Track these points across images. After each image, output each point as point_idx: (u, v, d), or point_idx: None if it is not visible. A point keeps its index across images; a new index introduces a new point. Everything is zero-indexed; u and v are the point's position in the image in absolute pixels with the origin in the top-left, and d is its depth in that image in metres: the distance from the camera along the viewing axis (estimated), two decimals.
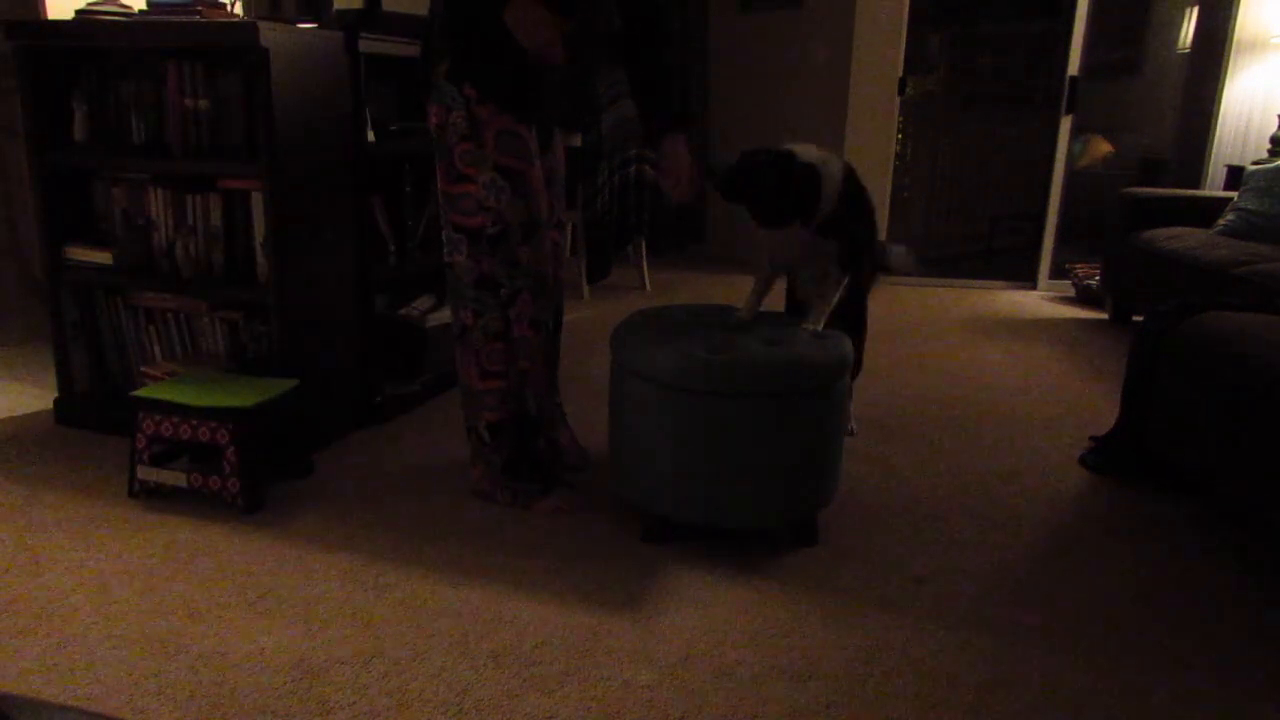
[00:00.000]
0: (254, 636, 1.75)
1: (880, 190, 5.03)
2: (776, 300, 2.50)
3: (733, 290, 4.77)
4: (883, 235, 4.92)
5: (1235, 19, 4.66)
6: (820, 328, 2.20)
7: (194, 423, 2.23)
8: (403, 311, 3.10)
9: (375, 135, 2.77)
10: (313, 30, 2.53)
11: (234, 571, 1.98)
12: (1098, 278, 4.62)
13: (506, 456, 2.30)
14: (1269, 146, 4.39)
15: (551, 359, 2.44)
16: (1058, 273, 5.06)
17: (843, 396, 2.09)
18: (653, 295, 4.75)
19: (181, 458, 2.37)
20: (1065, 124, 4.90)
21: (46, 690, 1.58)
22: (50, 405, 2.85)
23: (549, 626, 1.80)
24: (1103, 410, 3.09)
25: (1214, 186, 4.73)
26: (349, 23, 2.61)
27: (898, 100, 5.02)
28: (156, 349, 2.73)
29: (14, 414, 2.87)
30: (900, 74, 4.98)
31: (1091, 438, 2.76)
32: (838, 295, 2.29)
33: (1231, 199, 3.97)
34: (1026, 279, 5.14)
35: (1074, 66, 4.81)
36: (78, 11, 2.59)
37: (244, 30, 2.29)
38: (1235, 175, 4.29)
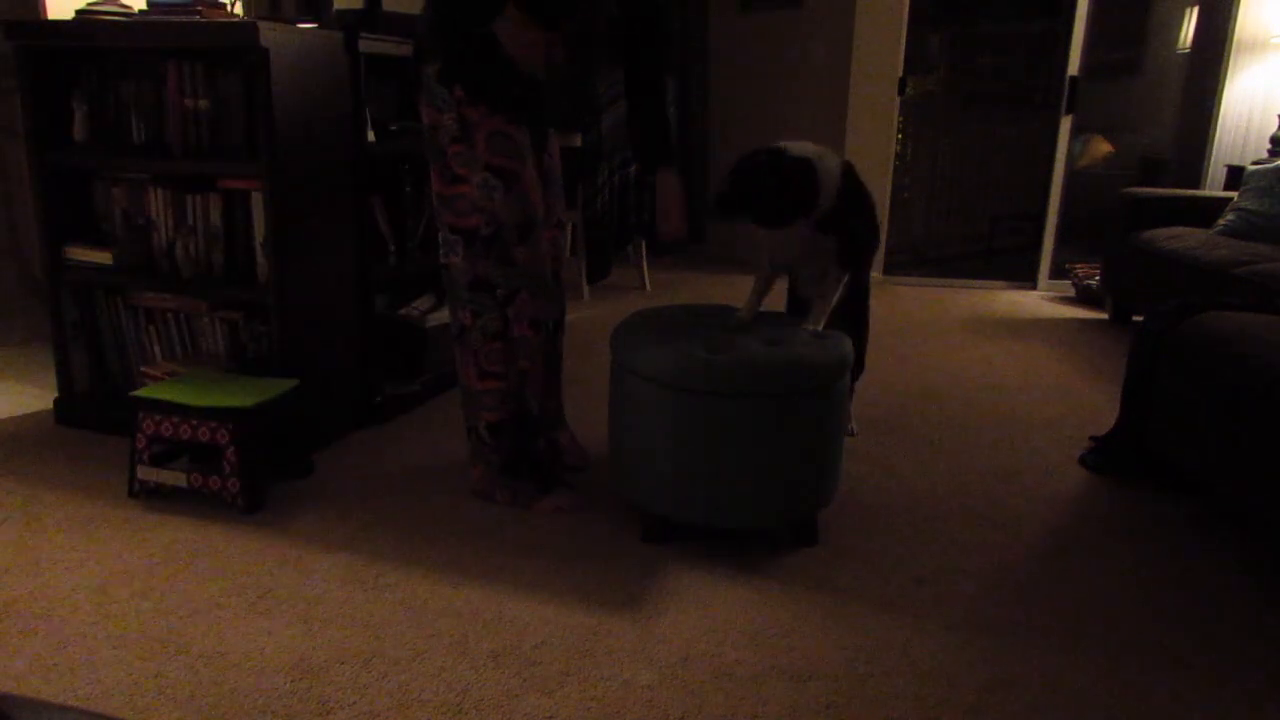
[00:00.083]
0: (254, 636, 1.75)
1: (880, 190, 5.03)
2: (777, 300, 2.50)
3: (733, 290, 4.77)
4: (883, 235, 4.93)
5: (1235, 19, 4.66)
6: (820, 327, 2.20)
7: (194, 423, 2.23)
8: (403, 311, 3.10)
9: (375, 135, 2.77)
10: (313, 30, 2.53)
11: (234, 571, 1.98)
12: (1098, 278, 4.62)
13: (506, 456, 2.30)
14: (1269, 146, 4.39)
15: (553, 360, 2.44)
16: (1058, 273, 5.07)
17: (843, 396, 2.09)
18: (653, 295, 4.75)
19: (181, 458, 2.37)
20: (1065, 124, 4.90)
21: (46, 690, 1.58)
22: (50, 405, 2.85)
23: (549, 626, 1.80)
24: (1103, 410, 3.09)
25: (1214, 186, 4.73)
26: (349, 23, 2.61)
27: (898, 100, 5.02)
28: (156, 349, 2.73)
29: (14, 414, 2.87)
30: (900, 74, 4.98)
31: (1091, 438, 2.76)
32: (838, 294, 2.29)
33: (1231, 199, 3.97)
34: (1026, 279, 5.14)
35: (1074, 66, 4.81)
36: (78, 11, 2.59)
37: (244, 30, 2.29)
38: (1235, 175, 4.29)
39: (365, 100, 2.66)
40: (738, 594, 1.94)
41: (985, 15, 5.49)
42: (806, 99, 5.25)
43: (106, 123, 2.61)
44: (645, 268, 4.94)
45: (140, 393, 2.30)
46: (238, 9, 2.81)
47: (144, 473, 2.28)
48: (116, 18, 2.54)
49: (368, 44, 2.62)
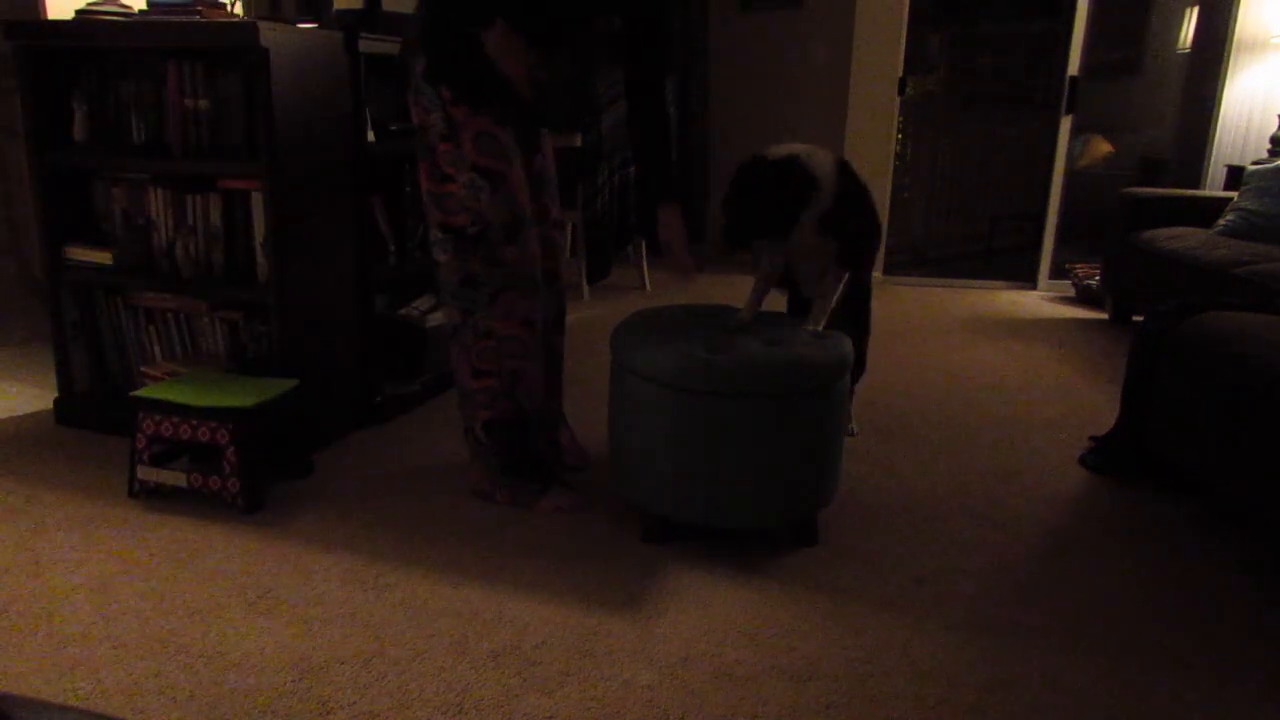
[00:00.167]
0: (254, 636, 1.75)
1: (880, 190, 5.03)
2: (777, 300, 2.50)
3: (733, 290, 4.77)
4: (884, 236, 4.92)
5: (1235, 19, 4.66)
6: (820, 327, 2.20)
7: (194, 423, 2.23)
8: (403, 311, 3.10)
9: (375, 135, 2.77)
10: (313, 30, 2.53)
11: (234, 571, 1.98)
12: (1098, 278, 4.62)
13: (505, 456, 2.30)
14: (1269, 146, 4.38)
15: (553, 359, 2.44)
16: (1058, 273, 5.06)
17: (843, 396, 2.09)
18: (653, 295, 4.75)
19: (181, 458, 2.37)
20: (1065, 124, 4.90)
21: (46, 690, 1.58)
22: (50, 405, 2.85)
23: (549, 626, 1.80)
24: (1103, 410, 3.09)
25: (1214, 186, 4.72)
26: (349, 23, 2.61)
27: (898, 100, 5.02)
28: (156, 349, 2.73)
29: (14, 414, 2.87)
30: (900, 74, 4.98)
31: (1091, 438, 2.76)
32: (838, 294, 2.29)
33: (1231, 199, 3.97)
34: (1026, 279, 5.14)
35: (1074, 66, 4.81)
36: (78, 11, 2.59)
37: (244, 30, 2.29)
38: (1235, 175, 4.29)
39: (365, 100, 2.66)
40: (738, 594, 1.94)
41: (985, 15, 5.50)
42: (806, 99, 5.25)
43: (106, 123, 2.61)
44: (645, 268, 4.94)
45: (140, 393, 2.30)
46: (238, 9, 2.81)
47: (144, 473, 2.28)
48: (116, 18, 2.54)
49: (368, 44, 2.62)
